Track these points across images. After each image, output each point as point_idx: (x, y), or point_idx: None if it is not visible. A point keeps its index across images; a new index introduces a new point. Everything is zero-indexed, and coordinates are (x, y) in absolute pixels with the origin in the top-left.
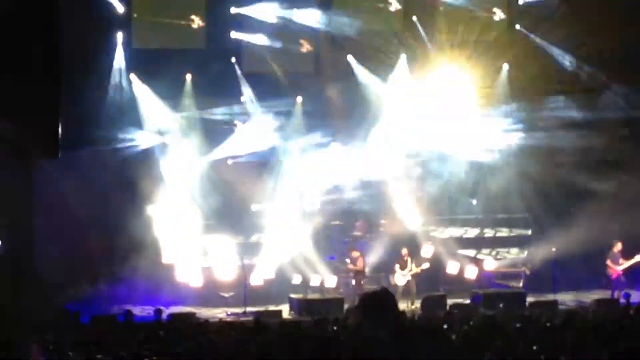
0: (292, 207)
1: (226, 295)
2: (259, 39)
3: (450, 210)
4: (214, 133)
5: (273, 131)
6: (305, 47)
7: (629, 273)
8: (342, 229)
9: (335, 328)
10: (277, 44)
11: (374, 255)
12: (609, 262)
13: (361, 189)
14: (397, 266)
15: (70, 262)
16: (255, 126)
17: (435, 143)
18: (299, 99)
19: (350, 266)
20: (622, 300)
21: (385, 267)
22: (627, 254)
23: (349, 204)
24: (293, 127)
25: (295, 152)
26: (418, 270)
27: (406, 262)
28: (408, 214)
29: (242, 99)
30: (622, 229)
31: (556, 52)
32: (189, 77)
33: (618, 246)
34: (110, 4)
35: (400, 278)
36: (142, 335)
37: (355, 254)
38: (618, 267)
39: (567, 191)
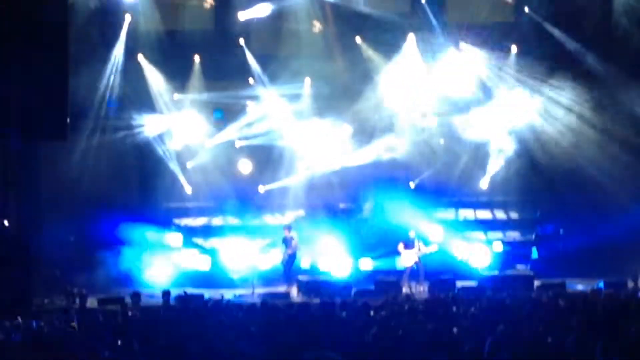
0: (299, 189)
1: (235, 276)
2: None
3: (459, 191)
4: (224, 114)
5: (282, 113)
6: (317, 28)
7: None
8: (349, 211)
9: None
10: (287, 25)
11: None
12: None
13: (370, 170)
14: (401, 245)
15: (74, 245)
16: (265, 108)
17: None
18: (308, 80)
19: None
20: None
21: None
22: None
23: (357, 185)
24: (302, 109)
25: (303, 134)
26: (426, 251)
27: (413, 242)
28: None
29: (250, 80)
30: None
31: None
32: (197, 58)
33: None
34: None
35: (406, 259)
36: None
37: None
38: None
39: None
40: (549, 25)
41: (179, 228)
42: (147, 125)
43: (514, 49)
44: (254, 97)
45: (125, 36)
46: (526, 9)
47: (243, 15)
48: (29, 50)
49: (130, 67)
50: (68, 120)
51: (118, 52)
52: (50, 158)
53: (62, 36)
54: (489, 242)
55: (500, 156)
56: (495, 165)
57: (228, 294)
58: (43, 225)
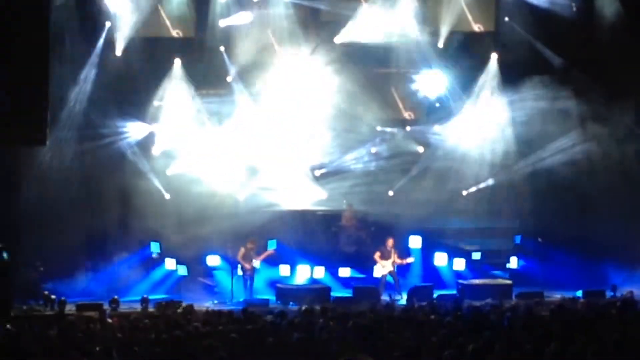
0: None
1: (210, 283)
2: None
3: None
4: (204, 120)
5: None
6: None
7: None
8: (327, 219)
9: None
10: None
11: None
12: None
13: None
14: (377, 255)
15: (53, 251)
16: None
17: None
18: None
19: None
20: None
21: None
22: None
23: (338, 192)
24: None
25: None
26: (401, 262)
27: (390, 252)
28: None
29: (228, 78)
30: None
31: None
32: (177, 62)
33: None
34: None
35: (380, 269)
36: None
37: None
38: None
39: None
40: (530, 36)
41: (157, 235)
42: (127, 132)
43: (494, 57)
44: (234, 105)
45: (104, 43)
46: (506, 19)
47: (224, 22)
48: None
49: (110, 74)
50: (47, 125)
51: (97, 59)
52: (30, 163)
53: (43, 41)
54: (468, 251)
55: (480, 165)
56: (474, 174)
57: (207, 301)
58: (22, 231)
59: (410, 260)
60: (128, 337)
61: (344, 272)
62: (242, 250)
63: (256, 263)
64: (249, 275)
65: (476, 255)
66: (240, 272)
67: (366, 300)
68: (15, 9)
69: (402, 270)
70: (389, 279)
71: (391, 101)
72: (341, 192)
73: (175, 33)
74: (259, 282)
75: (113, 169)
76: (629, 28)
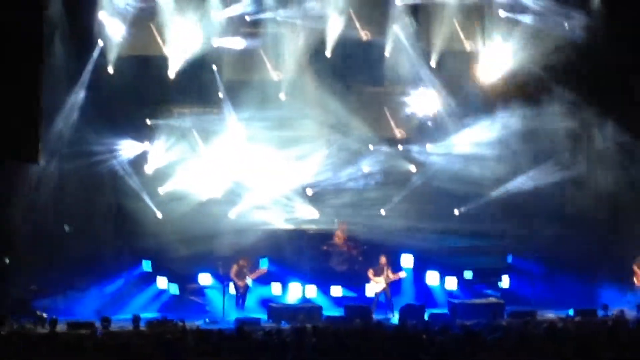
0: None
1: (202, 302)
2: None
3: (431, 217)
4: (196, 138)
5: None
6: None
7: None
8: (319, 237)
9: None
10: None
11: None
12: (635, 267)
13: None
14: (370, 272)
15: (44, 269)
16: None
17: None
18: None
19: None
20: None
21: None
22: None
23: (330, 211)
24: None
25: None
26: (394, 277)
27: (382, 269)
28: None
29: (220, 96)
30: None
31: None
32: (170, 83)
33: None
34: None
35: (375, 286)
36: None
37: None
38: None
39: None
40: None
41: (149, 253)
42: (120, 150)
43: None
44: (225, 122)
45: (96, 61)
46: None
47: (217, 42)
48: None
49: (102, 92)
50: (40, 143)
51: (89, 76)
52: (22, 180)
53: (35, 58)
54: (460, 270)
55: (472, 184)
56: (466, 192)
57: (199, 320)
58: (13, 249)
59: (402, 274)
60: (120, 356)
61: (336, 291)
62: (235, 267)
63: (248, 280)
64: (242, 292)
65: (468, 274)
66: (232, 291)
67: (358, 319)
68: (9, 26)
69: (394, 289)
70: (381, 297)
71: (384, 120)
72: (333, 210)
73: (165, 51)
74: (251, 300)
75: (105, 187)
76: (618, 48)
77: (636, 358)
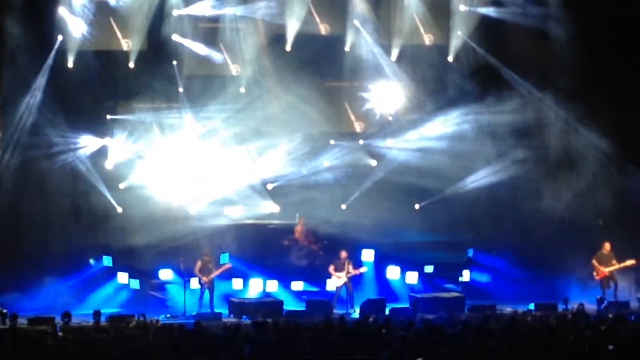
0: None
1: (162, 297)
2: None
3: (392, 212)
4: (156, 133)
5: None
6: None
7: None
8: (280, 232)
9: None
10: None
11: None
12: (594, 262)
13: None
14: (332, 268)
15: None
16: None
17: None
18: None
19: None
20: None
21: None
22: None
23: (291, 206)
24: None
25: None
26: (355, 272)
27: (343, 264)
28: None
29: (180, 91)
30: None
31: None
32: (129, 75)
33: (607, 247)
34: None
35: (336, 281)
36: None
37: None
38: (606, 268)
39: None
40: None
41: (110, 249)
42: (79, 145)
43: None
44: (185, 117)
45: (56, 55)
46: (459, 33)
47: (176, 37)
48: None
49: (61, 86)
50: None
51: (48, 70)
52: None
53: None
54: (421, 264)
55: (433, 178)
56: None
57: (159, 315)
58: None
59: (363, 269)
60: (80, 351)
61: (297, 285)
62: (199, 263)
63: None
64: (208, 287)
65: (429, 269)
66: (196, 286)
67: (319, 314)
68: None
69: (355, 283)
70: (342, 292)
71: (344, 114)
72: (293, 205)
73: (125, 46)
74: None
75: (65, 182)
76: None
77: (596, 351)
